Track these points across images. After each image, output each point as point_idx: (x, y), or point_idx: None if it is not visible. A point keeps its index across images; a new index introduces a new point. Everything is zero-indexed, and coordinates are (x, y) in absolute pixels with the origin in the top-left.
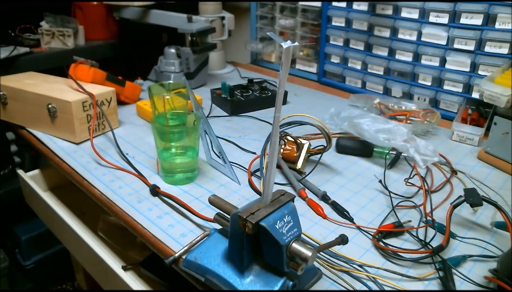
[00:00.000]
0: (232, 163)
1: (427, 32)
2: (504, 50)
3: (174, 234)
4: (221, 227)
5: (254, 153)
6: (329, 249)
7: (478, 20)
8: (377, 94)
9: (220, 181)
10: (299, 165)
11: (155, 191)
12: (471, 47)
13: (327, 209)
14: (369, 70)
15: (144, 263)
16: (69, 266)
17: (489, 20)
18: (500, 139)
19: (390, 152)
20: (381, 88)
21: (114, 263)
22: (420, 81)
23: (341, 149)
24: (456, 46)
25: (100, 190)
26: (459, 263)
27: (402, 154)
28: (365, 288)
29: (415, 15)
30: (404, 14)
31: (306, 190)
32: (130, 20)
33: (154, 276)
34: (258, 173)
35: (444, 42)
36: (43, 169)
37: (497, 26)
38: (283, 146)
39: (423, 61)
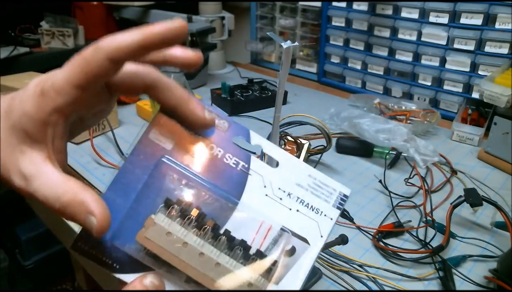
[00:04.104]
0: None
1: (427, 32)
2: (504, 50)
3: None
4: None
5: (254, 153)
6: (329, 249)
7: (478, 20)
8: (377, 94)
9: None
10: None
11: None
12: (471, 47)
13: None
14: (369, 70)
15: None
16: (69, 266)
17: (489, 20)
18: (500, 139)
19: (390, 151)
20: (381, 88)
21: None
22: (420, 81)
23: (341, 149)
24: (456, 46)
25: (100, 190)
26: (459, 263)
27: (402, 154)
28: (365, 288)
29: (415, 15)
30: (404, 14)
31: None
32: (130, 20)
33: None
34: None
35: (444, 42)
36: None
37: (497, 26)
38: (283, 146)
39: (423, 61)
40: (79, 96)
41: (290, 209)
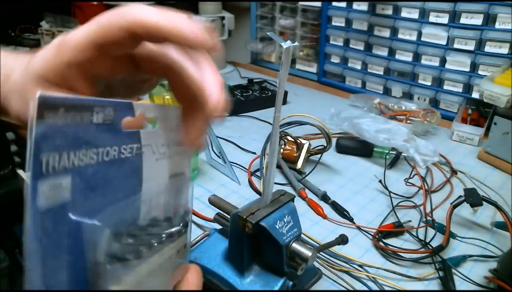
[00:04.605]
0: (232, 162)
1: (427, 32)
2: (504, 50)
3: None
4: (221, 227)
5: (254, 153)
6: (329, 249)
7: (478, 20)
8: (377, 94)
9: (220, 181)
10: (299, 165)
11: None
12: (471, 47)
13: (327, 209)
14: (369, 70)
15: None
16: None
17: (489, 20)
18: (500, 139)
19: (390, 152)
20: (381, 88)
21: None
22: (420, 81)
23: (341, 149)
24: (456, 46)
25: None
26: (459, 263)
27: (402, 154)
28: (365, 288)
29: (415, 15)
30: (404, 14)
31: (306, 190)
32: None
33: None
34: (258, 173)
35: (444, 42)
36: None
37: (497, 26)
38: (283, 146)
39: (423, 61)
40: (94, 55)
41: (170, 157)
